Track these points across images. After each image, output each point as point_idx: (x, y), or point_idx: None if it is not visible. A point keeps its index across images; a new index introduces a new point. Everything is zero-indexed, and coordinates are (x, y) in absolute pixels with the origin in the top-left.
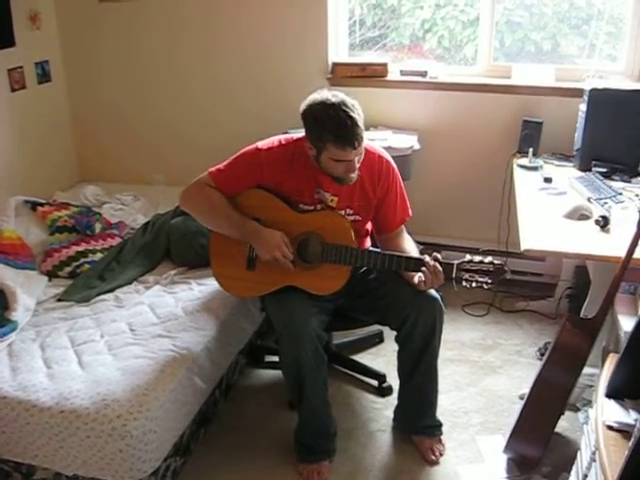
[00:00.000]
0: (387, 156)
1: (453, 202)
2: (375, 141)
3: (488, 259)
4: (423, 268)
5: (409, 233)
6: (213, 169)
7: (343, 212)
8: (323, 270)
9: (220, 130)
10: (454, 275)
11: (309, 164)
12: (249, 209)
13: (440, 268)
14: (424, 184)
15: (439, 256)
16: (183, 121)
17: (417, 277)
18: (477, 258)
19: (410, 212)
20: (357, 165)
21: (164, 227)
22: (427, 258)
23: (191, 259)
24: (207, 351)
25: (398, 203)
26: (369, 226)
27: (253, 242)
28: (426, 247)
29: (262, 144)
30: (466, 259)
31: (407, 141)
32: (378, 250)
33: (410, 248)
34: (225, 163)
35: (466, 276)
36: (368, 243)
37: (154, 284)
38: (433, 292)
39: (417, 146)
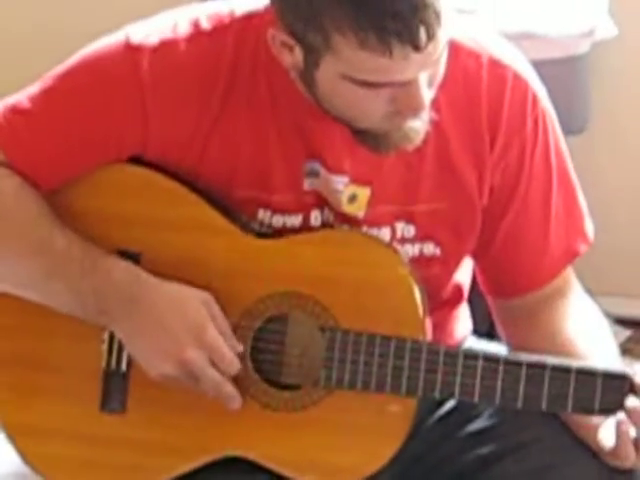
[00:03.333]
0: (519, 67)
1: None
2: (480, 17)
3: None
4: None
5: (586, 290)
6: (3, 110)
7: (388, 234)
8: (330, 413)
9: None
10: None
11: (282, 91)
12: (109, 227)
13: None
14: (629, 147)
15: None
16: None
17: (616, 430)
18: None
19: (589, 234)
20: (429, 94)
21: None
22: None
23: None
24: None
25: (555, 209)
26: (463, 274)
27: (119, 325)
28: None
29: (142, 35)
30: None
31: (576, 17)
32: (498, 353)
33: (591, 341)
34: (36, 92)
35: None
36: (465, 325)
37: None
38: None
39: (607, 31)
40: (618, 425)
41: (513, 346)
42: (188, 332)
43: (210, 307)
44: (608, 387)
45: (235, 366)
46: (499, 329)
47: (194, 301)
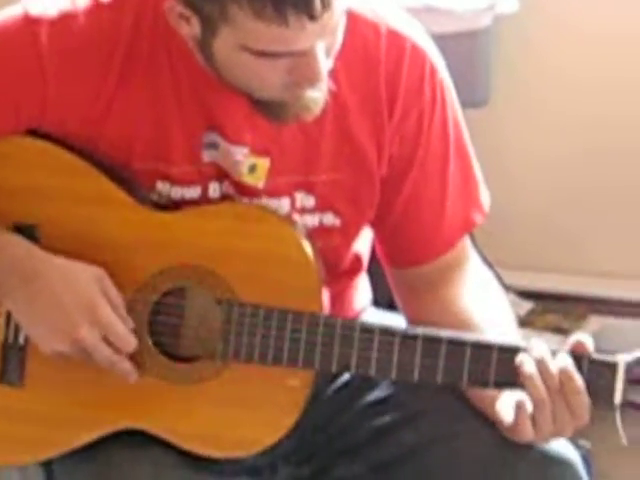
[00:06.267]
0: (417, 38)
1: (614, 174)
2: None
3: None
4: (534, 381)
5: (487, 262)
6: None
7: (287, 204)
8: (228, 385)
9: None
10: (619, 398)
11: (182, 62)
12: (5, 199)
13: (578, 381)
14: (531, 120)
15: (586, 343)
16: None
17: (515, 406)
18: None
19: (484, 205)
20: (326, 64)
21: None
22: (537, 350)
23: None
24: None
25: (452, 180)
26: (362, 244)
27: (11, 300)
28: (540, 302)
29: (41, 7)
30: None
31: None
32: (395, 326)
33: (487, 311)
34: None
35: None
36: (364, 296)
37: None
38: (560, 446)
39: (508, 5)
40: (517, 403)
41: (409, 316)
42: (80, 310)
43: (102, 283)
44: (503, 361)
45: (130, 343)
46: (396, 299)
47: (86, 277)
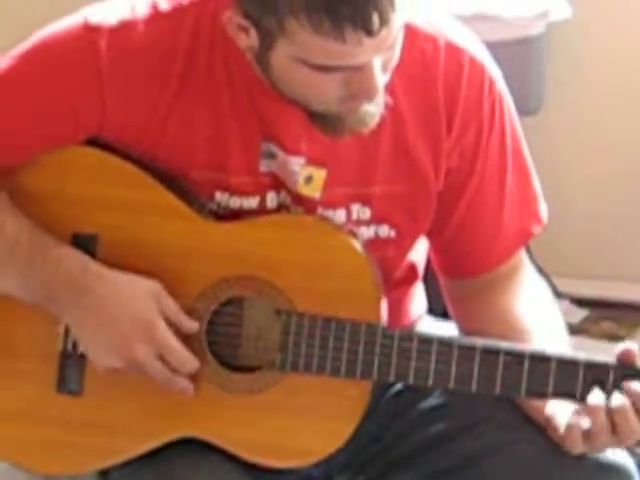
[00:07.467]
0: (476, 51)
1: None
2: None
3: None
4: (595, 399)
5: (541, 271)
6: None
7: (343, 216)
8: (286, 395)
9: None
10: None
11: (239, 73)
12: (67, 209)
13: None
14: (583, 128)
15: (634, 351)
16: None
17: (567, 425)
18: None
19: (543, 216)
20: (383, 78)
21: None
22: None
23: None
24: None
25: (510, 192)
26: (418, 254)
27: (68, 314)
28: (595, 310)
29: (101, 16)
30: None
31: None
32: (453, 337)
33: (541, 321)
34: None
35: None
36: (420, 305)
37: None
38: (615, 453)
39: (561, 12)
40: (571, 416)
41: (463, 325)
42: (136, 328)
43: (159, 298)
44: (562, 372)
45: (190, 362)
46: (449, 308)
47: (142, 293)
